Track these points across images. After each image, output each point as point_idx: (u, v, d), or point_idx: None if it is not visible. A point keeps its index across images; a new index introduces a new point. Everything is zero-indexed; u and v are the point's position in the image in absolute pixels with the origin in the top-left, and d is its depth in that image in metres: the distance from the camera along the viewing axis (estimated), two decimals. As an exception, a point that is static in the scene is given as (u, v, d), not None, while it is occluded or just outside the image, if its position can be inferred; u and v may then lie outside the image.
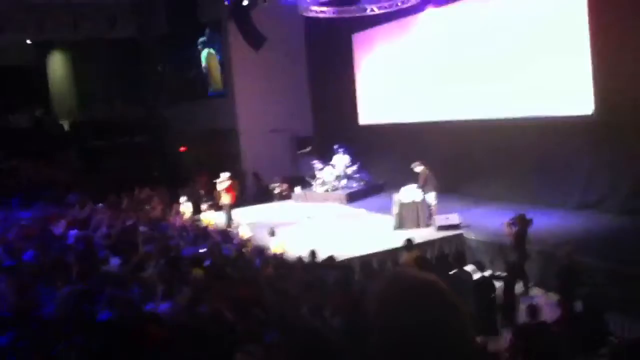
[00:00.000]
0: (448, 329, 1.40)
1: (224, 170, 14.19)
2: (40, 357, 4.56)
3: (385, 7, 14.09)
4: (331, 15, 14.65)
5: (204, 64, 19.98)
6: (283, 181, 17.58)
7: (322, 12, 14.52)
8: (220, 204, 13.75)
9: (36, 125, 21.18)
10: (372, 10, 14.25)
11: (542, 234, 9.35)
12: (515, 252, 8.48)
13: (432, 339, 1.38)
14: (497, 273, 8.29)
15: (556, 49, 11.70)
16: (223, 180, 13.49)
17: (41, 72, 23.42)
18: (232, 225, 12.78)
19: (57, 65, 23.71)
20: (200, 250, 9.65)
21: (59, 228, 11.89)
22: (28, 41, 21.10)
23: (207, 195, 16.26)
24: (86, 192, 16.64)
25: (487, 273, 7.71)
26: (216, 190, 14.33)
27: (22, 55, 22.15)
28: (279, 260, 8.60)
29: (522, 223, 8.66)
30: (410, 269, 1.55)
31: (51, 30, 19.84)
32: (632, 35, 10.21)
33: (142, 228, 11.50)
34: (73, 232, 11.24)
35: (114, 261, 9.31)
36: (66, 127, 22.08)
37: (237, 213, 13.70)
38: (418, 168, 11.97)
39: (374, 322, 1.46)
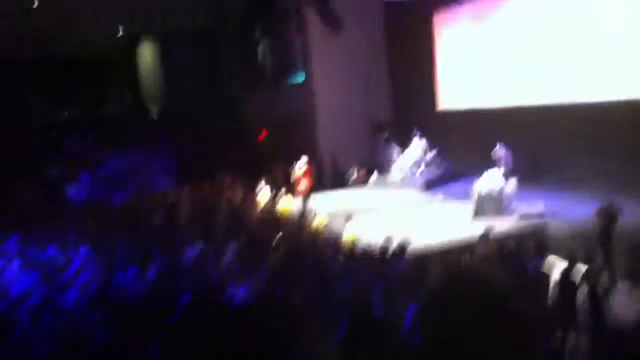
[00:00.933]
0: (504, 338, 1.38)
1: (301, 157, 14.36)
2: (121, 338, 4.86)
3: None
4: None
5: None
6: (360, 167, 17.56)
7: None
8: (297, 190, 13.91)
9: (124, 112, 22.32)
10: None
11: (633, 226, 8.78)
12: (601, 244, 8.03)
13: (486, 343, 1.37)
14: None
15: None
16: (301, 166, 13.61)
17: (130, 61, 24.56)
18: (309, 212, 12.92)
19: (145, 56, 24.80)
20: (278, 236, 9.90)
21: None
22: (120, 33, 22.19)
23: (284, 183, 16.56)
24: (172, 174, 17.45)
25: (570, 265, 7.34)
26: (294, 176, 14.53)
27: (109, 45, 23.26)
28: (352, 249, 8.63)
29: (609, 212, 8.19)
30: (477, 268, 1.53)
31: (140, 21, 20.76)
32: None
33: (221, 213, 11.94)
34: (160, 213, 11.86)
35: (196, 245, 9.74)
36: (154, 114, 23.12)
37: (313, 199, 13.80)
38: (500, 151, 11.58)
39: (427, 316, 1.46)
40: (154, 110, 23.17)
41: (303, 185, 13.49)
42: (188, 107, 22.28)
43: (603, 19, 11.94)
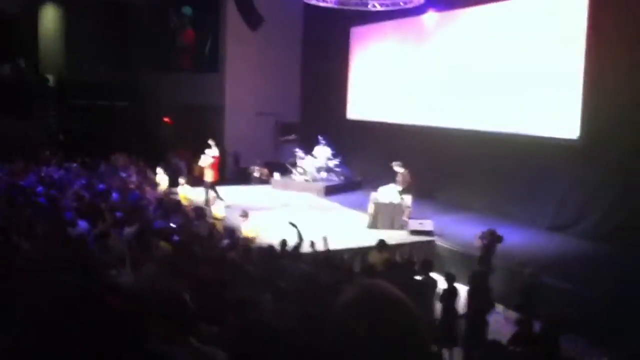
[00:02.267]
0: (407, 351, 1.41)
1: (205, 147, 14.04)
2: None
3: (387, 5, 14.04)
4: (332, 6, 14.54)
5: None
6: (263, 165, 17.50)
7: (323, 0, 14.41)
8: (202, 180, 13.50)
9: (18, 75, 20.66)
10: (373, 6, 14.18)
11: (510, 251, 9.45)
12: (481, 265, 8.55)
13: (389, 355, 1.39)
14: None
15: (551, 71, 11.81)
16: (209, 156, 13.23)
17: (31, 25, 22.80)
18: (210, 203, 12.67)
19: (48, 19, 23.11)
20: (172, 225, 9.58)
21: (27, 182, 11.68)
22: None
23: (186, 169, 16.11)
24: (61, 149, 16.39)
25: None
26: (198, 165, 14.17)
27: (11, 5, 21.54)
28: (248, 244, 8.55)
29: (492, 238, 8.74)
30: (384, 283, 1.53)
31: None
32: (627, 66, 10.34)
33: (114, 195, 11.36)
34: (41, 189, 11.07)
35: (82, 224, 9.19)
36: (51, 82, 21.61)
37: (214, 191, 13.55)
38: (398, 168, 12.02)
39: (337, 326, 1.45)
40: (51, 77, 21.62)
41: (209, 175, 13.14)
42: (88, 81, 21.06)
43: (507, 55, 12.79)
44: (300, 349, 2.92)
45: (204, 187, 13.13)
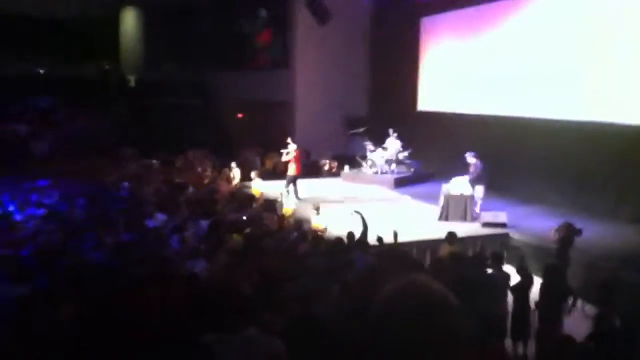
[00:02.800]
0: (441, 348, 1.41)
1: (276, 142, 14.28)
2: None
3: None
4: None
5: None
6: (333, 158, 17.60)
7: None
8: (286, 174, 13.54)
9: (103, 77, 21.88)
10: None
11: (588, 244, 9.03)
12: (557, 259, 8.22)
13: (424, 353, 1.40)
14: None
15: (628, 55, 11.13)
16: (290, 151, 13.33)
17: (113, 26, 24.06)
18: (293, 197, 12.79)
19: (129, 21, 24.28)
20: (243, 218, 9.87)
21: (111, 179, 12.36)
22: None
23: (259, 164, 16.50)
24: (139, 146, 17.23)
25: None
26: (272, 159, 14.39)
27: (94, 8, 22.79)
28: (317, 238, 8.65)
29: (568, 231, 8.39)
30: (425, 278, 1.53)
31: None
32: None
33: (191, 189, 11.83)
34: (125, 184, 11.70)
35: (160, 216, 9.66)
36: (132, 82, 22.72)
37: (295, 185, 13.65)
38: (471, 159, 11.72)
39: (375, 320, 1.48)
40: (132, 79, 22.77)
41: (291, 169, 13.27)
42: (166, 80, 22.00)
43: (583, 43, 12.17)
44: (345, 341, 2.96)
45: (287, 180, 13.24)
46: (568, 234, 8.44)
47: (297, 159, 13.26)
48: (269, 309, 4.37)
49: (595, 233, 9.82)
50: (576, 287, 7.66)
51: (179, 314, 4.20)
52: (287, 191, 12.83)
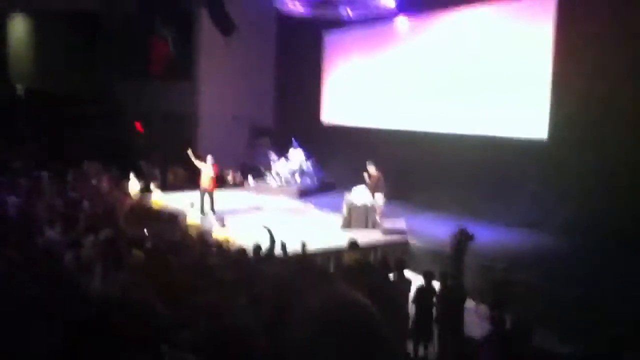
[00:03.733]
0: (369, 353, 1.42)
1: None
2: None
3: (360, 13, 14.14)
4: (305, 14, 14.56)
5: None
6: (237, 169, 17.47)
7: (296, 8, 14.44)
8: (201, 187, 13.13)
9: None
10: (347, 14, 14.25)
11: (482, 248, 9.60)
12: (452, 263, 8.67)
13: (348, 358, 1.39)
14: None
15: (519, 73, 12.08)
16: (209, 165, 12.92)
17: (0, 34, 22.50)
18: (204, 211, 12.52)
19: (17, 29, 22.83)
20: (144, 231, 9.51)
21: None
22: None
23: (159, 176, 16.00)
24: (32, 159, 16.16)
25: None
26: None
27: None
28: (222, 250, 8.53)
29: (462, 236, 8.87)
30: (346, 289, 1.53)
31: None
32: (593, 65, 10.60)
33: (85, 203, 11.24)
34: (12, 200, 10.90)
35: (52, 234, 9.07)
36: (20, 91, 21.30)
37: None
38: (371, 168, 12.11)
39: (299, 334, 1.46)
40: (20, 87, 21.31)
41: (206, 183, 12.89)
42: (58, 89, 20.82)
43: (476, 58, 13.02)
44: (265, 354, 2.94)
45: (200, 193, 12.87)
46: (462, 239, 8.91)
47: (216, 174, 13.04)
48: (177, 325, 4.23)
49: (488, 237, 10.46)
50: (472, 289, 8.13)
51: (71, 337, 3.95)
52: (194, 204, 12.53)
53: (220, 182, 16.88)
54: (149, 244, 8.19)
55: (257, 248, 8.32)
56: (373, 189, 11.95)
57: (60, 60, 21.37)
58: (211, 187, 12.91)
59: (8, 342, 3.97)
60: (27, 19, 22.39)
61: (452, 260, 8.78)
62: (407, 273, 8.32)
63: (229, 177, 17.22)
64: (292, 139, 16.28)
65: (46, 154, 16.29)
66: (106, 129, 20.31)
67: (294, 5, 14.20)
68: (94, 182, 14.08)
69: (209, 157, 13.03)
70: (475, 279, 8.95)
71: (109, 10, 21.53)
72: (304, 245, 8.57)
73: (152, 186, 13.48)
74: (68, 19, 20.93)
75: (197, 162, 13.03)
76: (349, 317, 1.40)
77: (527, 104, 11.96)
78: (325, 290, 1.50)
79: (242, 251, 8.02)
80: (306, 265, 8.33)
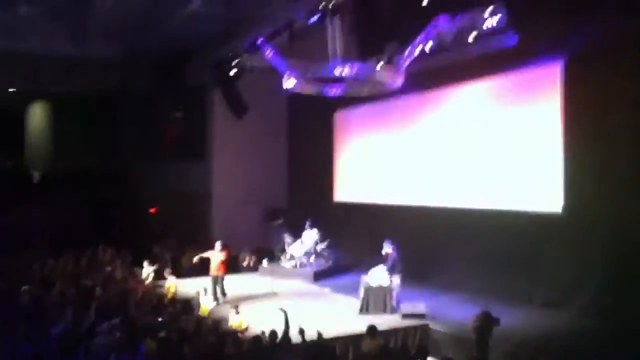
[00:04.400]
0: None
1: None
2: None
3: (368, 90, 14.43)
4: (312, 93, 14.88)
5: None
6: (251, 253, 17.32)
7: (304, 89, 14.77)
8: (210, 273, 12.98)
9: (6, 175, 20.79)
10: (355, 92, 14.53)
11: (504, 331, 9.24)
12: (477, 349, 8.31)
13: None
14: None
15: (531, 145, 12.10)
16: (217, 251, 12.83)
17: (19, 121, 23.26)
18: (220, 300, 12.36)
19: (35, 116, 23.60)
20: (159, 319, 9.32)
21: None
22: (11, 90, 21.07)
23: (171, 261, 15.87)
24: (47, 243, 16.17)
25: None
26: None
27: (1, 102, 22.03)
28: (237, 339, 8.29)
29: (486, 320, 8.56)
30: None
31: (38, 80, 19.96)
32: (605, 135, 10.59)
33: (98, 290, 11.11)
34: (26, 288, 10.80)
35: (65, 323, 8.92)
36: (37, 178, 21.73)
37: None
38: (387, 248, 11.90)
39: None
40: (37, 174, 21.76)
41: (215, 270, 12.74)
42: (74, 173, 21.22)
43: (489, 132, 13.13)
44: None
45: (212, 279, 12.69)
46: (485, 323, 8.60)
47: (226, 260, 12.90)
48: None
49: (513, 319, 10.10)
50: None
51: None
52: (207, 290, 12.32)
53: (233, 265, 16.76)
54: (162, 333, 7.99)
55: (273, 335, 8.07)
56: (389, 269, 11.70)
57: (77, 142, 21.84)
58: (222, 271, 12.73)
59: None
60: (45, 105, 23.13)
61: (476, 345, 8.43)
62: (430, 360, 7.99)
63: (244, 261, 17.03)
64: (306, 220, 16.23)
65: (61, 238, 16.33)
66: (122, 210, 20.44)
67: (301, 87, 14.54)
68: (107, 268, 13.99)
69: (218, 243, 12.95)
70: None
71: (125, 91, 22.26)
72: (320, 334, 8.27)
73: (165, 272, 13.35)
74: (85, 102, 21.52)
75: (205, 254, 12.97)
76: None
77: (540, 176, 11.88)
78: None
79: (257, 339, 7.77)
80: (324, 352, 8.05)
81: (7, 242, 16.38)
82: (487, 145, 13.17)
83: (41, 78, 19.73)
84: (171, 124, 20.76)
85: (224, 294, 12.65)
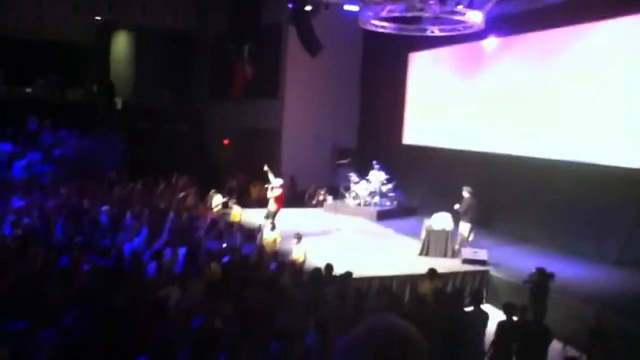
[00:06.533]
0: None
1: (262, 170, 14.16)
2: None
3: (447, 30, 13.91)
4: (390, 32, 14.54)
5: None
6: (318, 189, 17.59)
7: (382, 26, 14.44)
8: (269, 210, 13.19)
9: (90, 100, 21.84)
10: (432, 31, 14.07)
11: (571, 286, 9.02)
12: (533, 305, 8.11)
13: None
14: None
15: (617, 97, 11.35)
16: (275, 187, 13.04)
17: (104, 51, 24.21)
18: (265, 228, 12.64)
19: (119, 46, 24.48)
20: (223, 246, 9.76)
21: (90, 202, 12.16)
22: (97, 18, 21.85)
23: (238, 192, 16.41)
24: (126, 170, 17.08)
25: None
26: (257, 188, 14.17)
27: (87, 33, 22.91)
28: (296, 269, 8.57)
29: (541, 277, 8.37)
30: (394, 318, 1.49)
31: (119, 12, 20.64)
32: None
33: (172, 214, 11.67)
34: (105, 208, 11.53)
35: (137, 241, 9.52)
36: (119, 105, 22.70)
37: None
38: (466, 193, 11.66)
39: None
40: (119, 101, 22.75)
41: (272, 206, 13.00)
42: (153, 105, 22.04)
43: (570, 81, 12.41)
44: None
45: (267, 214, 12.96)
46: (541, 280, 8.42)
47: (282, 196, 13.05)
48: (249, 344, 4.28)
49: (578, 274, 9.85)
50: (557, 329, 7.62)
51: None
52: (270, 224, 12.65)
53: (300, 200, 17.10)
54: (226, 259, 8.38)
55: (329, 268, 8.26)
56: (462, 215, 11.53)
57: (155, 77, 22.61)
58: (276, 207, 12.84)
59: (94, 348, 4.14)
60: (128, 36, 23.95)
61: (532, 301, 8.26)
62: (486, 306, 7.97)
63: (311, 198, 17.33)
64: (373, 161, 16.19)
65: (140, 166, 17.14)
66: (195, 144, 21.14)
67: (379, 24, 14.17)
68: (181, 195, 14.64)
69: (277, 179, 12.98)
70: (561, 318, 8.40)
71: (202, 28, 22.52)
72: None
73: (230, 202, 13.85)
74: (165, 36, 22.11)
75: (271, 177, 13.10)
76: (388, 347, 1.38)
77: (626, 128, 11.16)
78: (372, 318, 1.48)
79: (316, 272, 8.00)
80: (381, 289, 8.20)
81: (90, 163, 17.42)
82: (566, 93, 12.47)
83: (123, 9, 20.35)
84: (246, 63, 20.90)
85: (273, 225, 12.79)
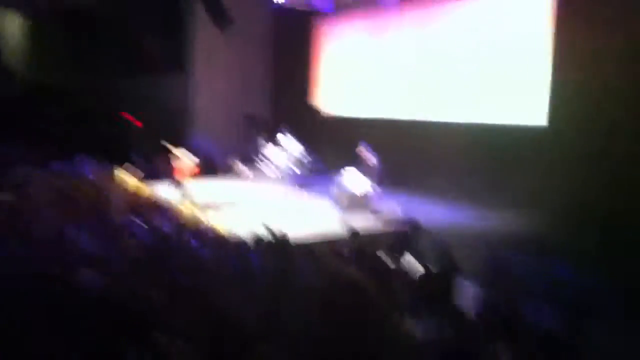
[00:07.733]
0: (372, 329, 1.44)
1: (175, 143, 13.84)
2: None
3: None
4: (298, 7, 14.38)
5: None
6: (233, 159, 17.46)
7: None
8: (175, 180, 13.08)
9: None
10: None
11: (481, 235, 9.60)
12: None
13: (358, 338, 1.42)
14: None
15: (518, 59, 12.02)
16: (181, 157, 12.87)
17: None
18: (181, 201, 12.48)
19: (10, 26, 22.84)
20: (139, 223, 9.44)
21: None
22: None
23: (151, 167, 15.95)
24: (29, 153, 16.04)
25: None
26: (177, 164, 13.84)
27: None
28: (218, 240, 8.49)
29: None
30: (346, 269, 1.55)
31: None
32: (594, 51, 10.46)
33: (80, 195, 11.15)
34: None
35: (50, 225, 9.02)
36: (17, 86, 21.35)
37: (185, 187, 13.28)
38: (362, 152, 12.05)
39: (304, 315, 1.47)
40: (16, 80, 21.35)
41: (181, 176, 12.80)
42: (53, 82, 20.85)
43: (476, 46, 13.00)
44: (262, 337, 2.93)
45: (176, 186, 12.80)
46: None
47: (191, 167, 12.94)
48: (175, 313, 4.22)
49: (475, 219, 10.47)
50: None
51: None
52: (181, 195, 12.51)
53: (214, 169, 16.94)
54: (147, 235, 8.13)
55: (259, 240, 8.23)
56: (366, 173, 11.92)
57: (57, 55, 21.39)
58: (184, 176, 12.84)
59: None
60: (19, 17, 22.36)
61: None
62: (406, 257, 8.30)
63: (228, 167, 17.19)
64: (283, 128, 16.26)
65: (41, 147, 16.19)
66: (102, 123, 20.29)
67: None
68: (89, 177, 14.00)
69: (181, 150, 12.96)
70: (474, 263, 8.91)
71: (104, 5, 21.43)
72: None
73: (139, 177, 13.48)
74: (66, 17, 20.85)
75: (174, 151, 13.00)
76: (349, 298, 1.43)
77: (527, 89, 11.88)
78: (327, 272, 1.52)
79: (241, 244, 7.95)
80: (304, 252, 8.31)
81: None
82: (472, 57, 13.12)
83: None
84: (151, 38, 20.13)
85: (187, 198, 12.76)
